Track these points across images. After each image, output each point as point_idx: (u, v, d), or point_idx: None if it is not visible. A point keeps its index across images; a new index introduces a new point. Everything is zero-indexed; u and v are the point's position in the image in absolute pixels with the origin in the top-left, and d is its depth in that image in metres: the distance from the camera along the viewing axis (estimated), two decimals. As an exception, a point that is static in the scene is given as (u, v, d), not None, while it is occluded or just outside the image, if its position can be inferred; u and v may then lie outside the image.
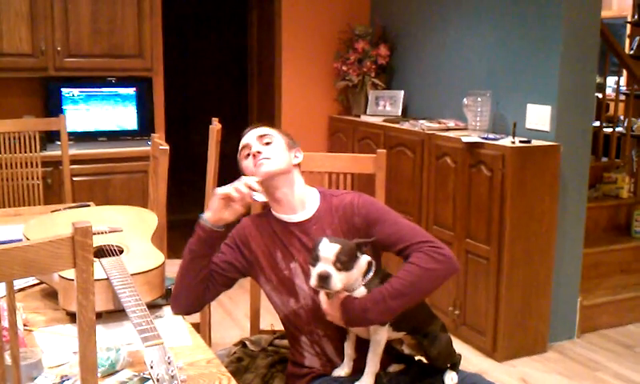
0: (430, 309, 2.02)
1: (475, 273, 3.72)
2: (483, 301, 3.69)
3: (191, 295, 1.96)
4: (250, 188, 1.89)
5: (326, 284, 1.76)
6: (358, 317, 1.79)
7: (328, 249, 1.76)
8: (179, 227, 5.14)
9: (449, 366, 1.96)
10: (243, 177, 1.95)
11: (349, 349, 1.94)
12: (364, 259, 1.85)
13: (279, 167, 1.98)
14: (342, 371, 1.94)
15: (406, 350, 1.97)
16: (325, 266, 1.76)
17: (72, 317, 1.93)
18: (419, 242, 1.86)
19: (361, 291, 1.82)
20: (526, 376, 3.50)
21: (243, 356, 2.19)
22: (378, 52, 4.92)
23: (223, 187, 1.90)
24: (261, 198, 1.99)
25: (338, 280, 1.76)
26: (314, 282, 1.77)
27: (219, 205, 1.90)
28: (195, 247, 1.94)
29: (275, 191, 2.01)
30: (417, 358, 2.03)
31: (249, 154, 2.02)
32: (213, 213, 1.91)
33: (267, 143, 2.01)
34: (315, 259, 1.78)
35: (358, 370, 1.91)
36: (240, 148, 2.05)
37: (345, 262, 1.76)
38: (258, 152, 1.99)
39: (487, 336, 3.67)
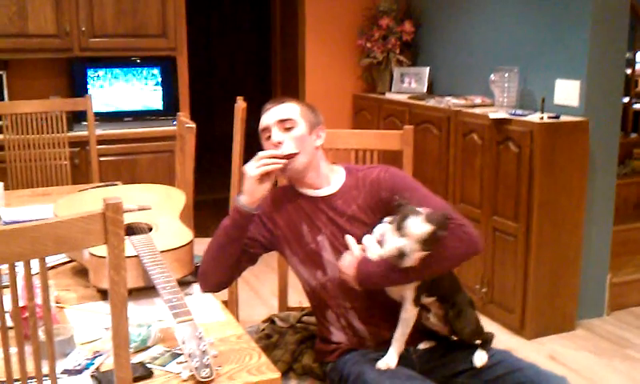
0: (459, 282, 2.00)
1: (503, 250, 3.69)
2: (511, 278, 3.66)
3: (223, 275, 1.97)
4: (282, 157, 1.89)
5: (400, 259, 1.72)
6: (369, 280, 1.81)
7: (419, 227, 1.70)
8: (205, 207, 5.16)
9: (479, 344, 1.94)
10: (260, 152, 1.91)
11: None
12: None
13: (302, 163, 1.95)
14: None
15: (432, 319, 1.95)
16: (408, 242, 1.71)
17: (103, 294, 1.95)
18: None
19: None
20: (555, 353, 3.47)
21: (272, 332, 2.20)
22: (403, 28, 4.87)
23: (252, 165, 1.88)
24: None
25: (412, 259, 1.73)
26: (388, 251, 1.74)
27: (254, 185, 1.88)
28: (232, 231, 1.92)
29: (301, 179, 1.99)
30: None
31: (269, 137, 1.97)
32: (249, 194, 1.89)
33: (288, 128, 1.96)
34: (400, 230, 1.72)
35: (383, 341, 1.91)
36: (260, 128, 1.99)
37: (428, 244, 1.72)
38: (279, 143, 1.93)
39: (515, 314, 3.65)
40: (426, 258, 1.75)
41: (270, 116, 1.98)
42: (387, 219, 1.85)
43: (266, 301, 4.06)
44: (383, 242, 1.80)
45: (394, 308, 1.89)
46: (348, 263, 1.85)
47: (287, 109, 1.98)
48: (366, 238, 1.87)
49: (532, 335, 3.62)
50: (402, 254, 1.72)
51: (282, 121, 1.96)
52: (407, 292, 1.85)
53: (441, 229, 1.73)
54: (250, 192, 1.89)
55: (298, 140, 1.95)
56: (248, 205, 1.89)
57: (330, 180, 2.01)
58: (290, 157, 1.92)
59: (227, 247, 1.93)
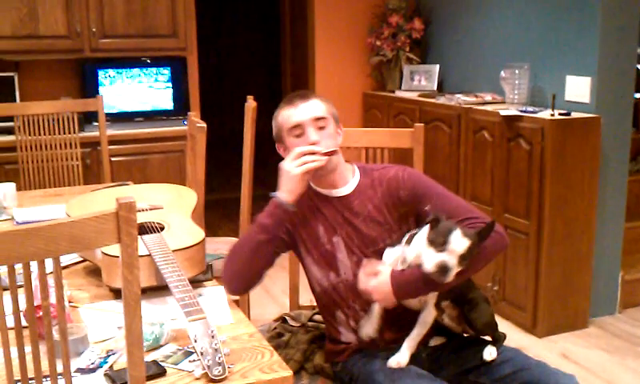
0: (473, 282, 2.00)
1: (514, 248, 3.68)
2: (523, 276, 3.65)
3: (256, 275, 1.92)
4: (324, 154, 1.86)
5: (442, 275, 1.71)
6: (410, 290, 1.80)
7: (460, 242, 1.70)
8: (215, 206, 5.18)
9: (490, 341, 1.94)
10: (299, 149, 1.87)
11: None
12: None
13: (337, 161, 1.94)
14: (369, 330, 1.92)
15: (446, 320, 1.95)
16: (450, 257, 1.71)
17: (115, 293, 1.96)
18: (472, 217, 1.86)
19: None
20: (567, 352, 3.46)
21: (283, 331, 2.20)
22: (413, 26, 4.86)
23: (295, 164, 1.84)
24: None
25: (453, 274, 1.72)
26: (431, 268, 1.72)
27: (298, 183, 1.85)
28: (272, 229, 1.88)
29: (324, 177, 1.96)
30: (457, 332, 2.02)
31: (300, 135, 1.91)
32: (292, 193, 1.86)
33: (322, 127, 1.91)
34: (440, 245, 1.71)
35: (392, 341, 1.91)
36: (290, 125, 1.92)
37: (467, 258, 1.72)
38: (316, 142, 1.88)
39: (527, 312, 3.64)
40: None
41: (303, 113, 1.91)
42: (412, 232, 1.85)
43: (277, 299, 4.06)
44: (417, 256, 1.78)
45: (403, 310, 1.90)
46: (378, 283, 1.82)
47: (318, 106, 1.93)
48: (388, 254, 1.87)
49: (544, 333, 3.61)
50: (445, 270, 1.71)
51: (317, 119, 1.91)
52: (430, 297, 1.86)
53: (480, 242, 1.74)
54: (292, 191, 1.86)
55: (332, 138, 1.93)
56: (290, 201, 1.86)
57: (348, 179, 1.99)
58: (330, 154, 1.89)
59: (265, 245, 1.88)
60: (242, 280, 1.93)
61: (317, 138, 1.89)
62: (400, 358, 1.86)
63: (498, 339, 1.95)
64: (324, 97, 2.00)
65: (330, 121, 1.94)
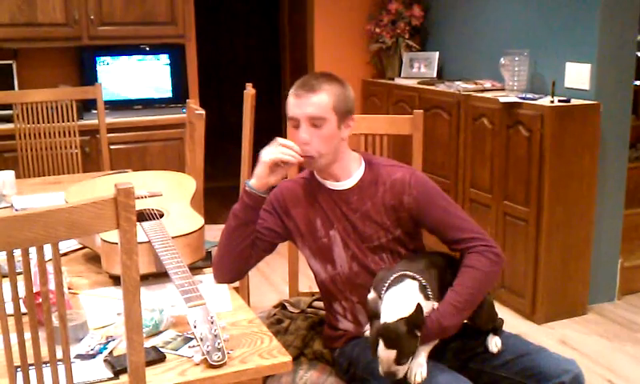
0: None
1: (514, 235, 3.68)
2: (522, 263, 3.65)
3: (235, 263, 1.95)
4: (299, 154, 1.85)
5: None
6: (435, 335, 1.79)
7: (387, 357, 1.66)
8: (214, 195, 5.17)
9: (491, 329, 1.94)
10: (280, 139, 1.88)
11: None
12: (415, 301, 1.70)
13: (325, 161, 1.90)
14: None
15: None
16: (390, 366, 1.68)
17: (115, 280, 1.96)
18: (473, 238, 1.86)
19: (429, 305, 1.76)
20: (566, 338, 3.47)
21: (283, 317, 2.21)
22: (412, 13, 4.84)
23: (269, 151, 1.85)
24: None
25: (405, 368, 1.69)
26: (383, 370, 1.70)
27: (266, 170, 1.86)
28: (241, 214, 1.91)
29: (324, 170, 1.95)
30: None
31: (296, 126, 1.88)
32: (258, 179, 1.87)
33: (318, 126, 1.86)
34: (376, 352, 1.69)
35: None
36: (289, 115, 1.90)
37: (407, 354, 1.67)
38: (305, 144, 1.86)
39: (526, 298, 3.64)
40: (475, 290, 1.80)
41: (301, 107, 1.87)
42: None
43: (277, 287, 4.07)
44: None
45: None
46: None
47: (319, 103, 1.86)
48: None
49: (543, 320, 3.61)
50: (391, 373, 1.68)
51: (313, 118, 1.86)
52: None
53: (405, 345, 1.66)
54: (259, 176, 1.87)
55: (326, 139, 1.87)
56: (256, 187, 1.88)
57: (351, 172, 1.96)
58: (307, 158, 1.87)
59: (237, 231, 1.91)
60: (222, 268, 1.95)
61: (307, 137, 1.85)
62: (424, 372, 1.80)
63: (498, 327, 1.96)
64: (338, 85, 1.90)
65: (331, 120, 1.87)
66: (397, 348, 1.64)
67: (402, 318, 1.64)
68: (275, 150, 1.85)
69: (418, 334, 1.66)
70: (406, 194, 1.91)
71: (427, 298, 1.73)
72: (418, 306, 1.65)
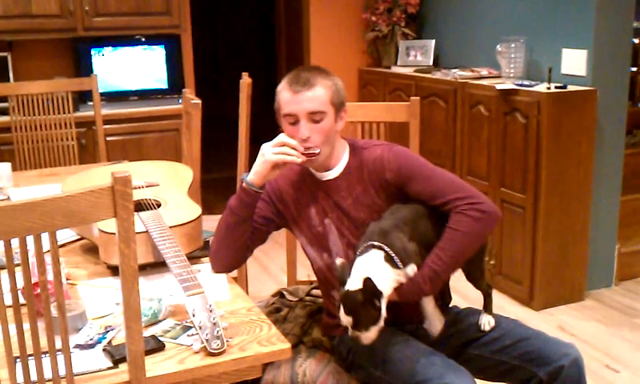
0: None
1: (511, 222, 3.69)
2: (519, 250, 3.66)
3: (233, 254, 1.94)
4: (304, 154, 1.83)
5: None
6: (414, 296, 1.81)
7: (346, 322, 1.72)
8: (211, 185, 5.17)
9: (483, 309, 1.95)
10: (284, 138, 1.84)
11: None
12: (390, 274, 1.75)
13: (324, 156, 1.89)
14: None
15: None
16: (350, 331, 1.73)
17: (113, 270, 1.96)
18: (456, 198, 1.82)
19: (411, 269, 1.78)
20: (564, 324, 3.48)
21: (281, 306, 2.21)
22: (408, 1, 4.83)
23: (274, 151, 1.82)
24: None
25: (369, 336, 1.72)
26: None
27: (268, 169, 1.84)
28: (240, 211, 1.89)
29: (319, 164, 1.94)
30: (451, 305, 2.05)
31: (294, 123, 1.85)
32: (258, 176, 1.85)
33: (316, 121, 1.84)
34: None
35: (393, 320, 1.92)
36: (285, 112, 1.86)
37: (364, 323, 1.71)
38: (305, 141, 1.83)
39: (524, 285, 3.65)
40: (455, 251, 1.79)
41: (300, 103, 1.83)
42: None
43: (275, 277, 4.07)
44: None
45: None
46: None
47: (318, 97, 1.84)
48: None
49: (541, 306, 3.62)
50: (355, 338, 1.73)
51: (313, 113, 1.83)
52: None
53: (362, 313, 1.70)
54: (260, 174, 1.85)
55: (325, 133, 1.86)
56: (256, 184, 1.86)
57: (339, 160, 1.96)
58: (311, 156, 1.85)
59: (236, 227, 1.90)
60: (220, 260, 1.95)
61: (308, 134, 1.84)
62: (438, 326, 1.89)
63: (488, 297, 1.97)
64: (331, 78, 1.89)
65: (329, 112, 1.86)
66: (353, 316, 1.70)
67: (359, 289, 1.68)
68: (281, 150, 1.82)
69: (378, 304, 1.69)
70: (387, 170, 1.90)
71: (395, 266, 1.74)
72: (365, 282, 1.67)
